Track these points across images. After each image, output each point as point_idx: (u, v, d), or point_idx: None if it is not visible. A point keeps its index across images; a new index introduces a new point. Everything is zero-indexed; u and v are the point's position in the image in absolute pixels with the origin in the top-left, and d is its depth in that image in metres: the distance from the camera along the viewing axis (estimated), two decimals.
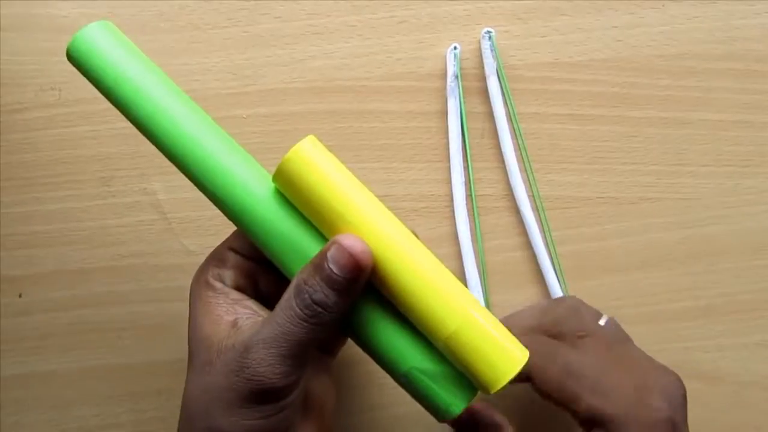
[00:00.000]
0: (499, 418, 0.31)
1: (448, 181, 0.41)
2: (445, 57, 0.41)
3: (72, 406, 0.40)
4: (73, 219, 0.40)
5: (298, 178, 0.28)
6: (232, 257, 0.31)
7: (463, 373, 0.28)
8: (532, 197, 0.40)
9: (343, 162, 0.29)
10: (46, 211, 0.40)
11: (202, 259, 0.40)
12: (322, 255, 0.27)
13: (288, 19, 0.41)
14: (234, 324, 0.29)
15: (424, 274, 0.27)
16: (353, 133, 0.41)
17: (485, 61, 0.40)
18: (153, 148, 0.40)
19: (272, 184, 0.29)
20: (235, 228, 0.31)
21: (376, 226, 0.27)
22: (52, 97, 0.40)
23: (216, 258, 0.31)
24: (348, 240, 0.27)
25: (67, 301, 0.40)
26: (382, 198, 0.40)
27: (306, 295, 0.27)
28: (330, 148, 0.29)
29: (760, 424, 0.40)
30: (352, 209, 0.27)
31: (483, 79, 0.41)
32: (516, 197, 0.40)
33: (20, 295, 0.40)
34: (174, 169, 0.40)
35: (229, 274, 0.30)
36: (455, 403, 0.28)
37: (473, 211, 0.40)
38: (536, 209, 0.40)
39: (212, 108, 0.40)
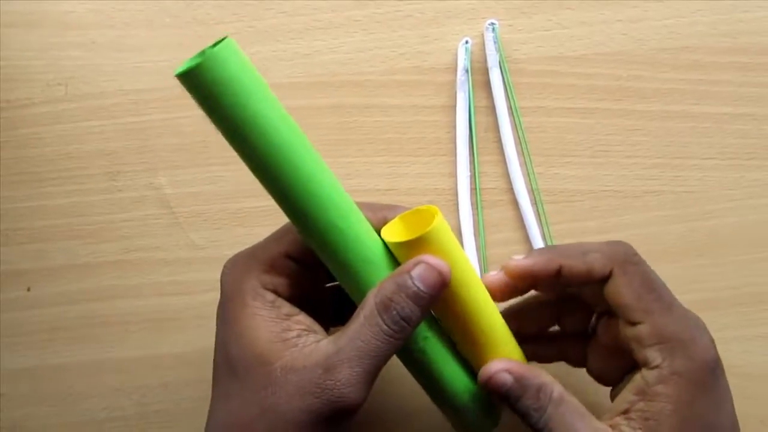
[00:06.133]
0: (546, 377, 0.30)
1: (453, 175, 0.41)
2: (451, 51, 0.41)
3: (80, 399, 0.40)
4: (80, 213, 0.40)
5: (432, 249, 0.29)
6: (289, 265, 0.30)
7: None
8: (532, 191, 0.41)
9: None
10: (54, 205, 0.41)
11: (209, 253, 0.41)
12: (405, 273, 0.28)
13: (293, 14, 0.41)
14: (289, 341, 0.28)
15: (489, 318, 0.31)
16: (358, 127, 0.41)
17: (488, 52, 0.40)
18: (159, 142, 0.41)
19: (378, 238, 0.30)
20: (277, 227, 0.31)
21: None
22: (59, 92, 0.41)
23: (267, 264, 0.30)
24: (432, 259, 0.28)
25: (75, 294, 0.40)
26: (387, 192, 0.41)
27: (394, 312, 0.28)
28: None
29: (766, 417, 0.40)
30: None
31: (486, 72, 0.41)
32: (515, 190, 0.40)
33: (29, 289, 0.40)
34: (180, 163, 0.41)
35: (283, 283, 0.30)
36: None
37: (477, 204, 0.41)
38: (535, 203, 0.41)
39: None
